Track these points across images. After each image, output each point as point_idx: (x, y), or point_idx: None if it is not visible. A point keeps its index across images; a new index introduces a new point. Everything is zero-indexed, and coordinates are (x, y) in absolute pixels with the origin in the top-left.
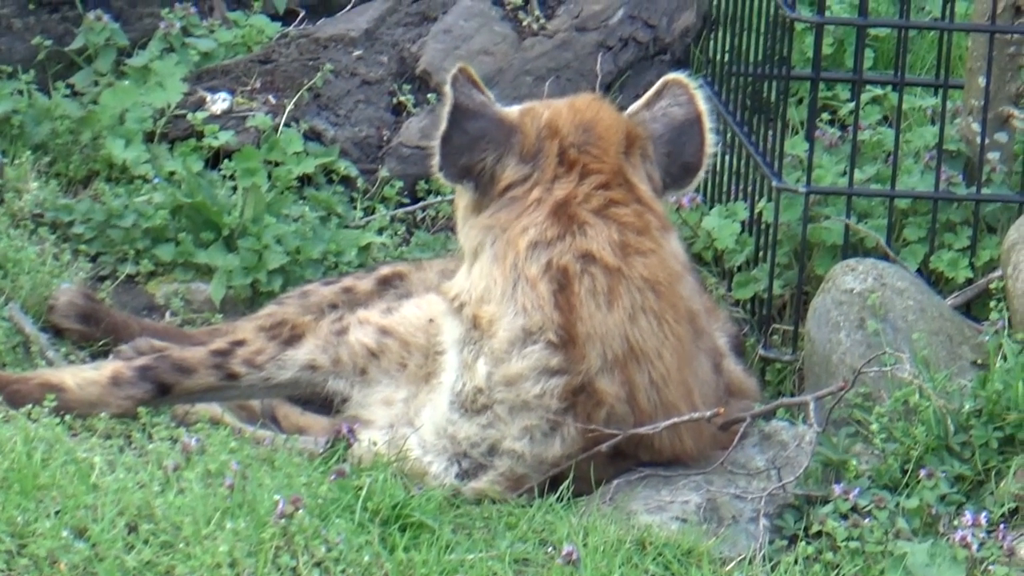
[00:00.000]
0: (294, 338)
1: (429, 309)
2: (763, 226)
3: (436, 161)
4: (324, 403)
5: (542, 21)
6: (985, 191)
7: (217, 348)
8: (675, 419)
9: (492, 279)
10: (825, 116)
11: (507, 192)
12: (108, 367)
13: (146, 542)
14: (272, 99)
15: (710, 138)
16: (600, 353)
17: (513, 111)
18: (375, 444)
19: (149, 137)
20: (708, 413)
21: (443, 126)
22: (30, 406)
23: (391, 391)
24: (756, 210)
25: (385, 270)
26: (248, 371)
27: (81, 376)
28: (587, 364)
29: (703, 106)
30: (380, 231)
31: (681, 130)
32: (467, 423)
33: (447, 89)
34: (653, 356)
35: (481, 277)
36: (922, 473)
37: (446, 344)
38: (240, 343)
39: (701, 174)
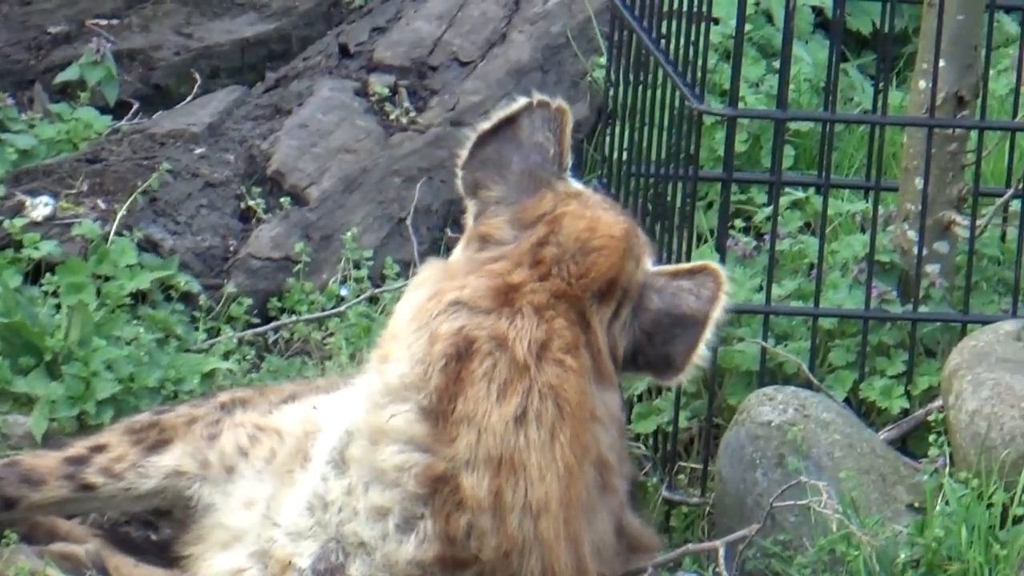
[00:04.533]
0: (161, 443)
1: (312, 403)
2: None
3: (463, 155)
4: (163, 547)
5: (412, 114)
6: (923, 309)
7: (72, 455)
8: None
9: (408, 317)
10: (738, 223)
11: (484, 243)
12: None
13: None
14: (102, 204)
15: (703, 348)
16: (472, 443)
17: (556, 183)
18: (240, 572)
19: None
20: None
21: (487, 125)
22: None
23: (254, 487)
24: None
25: (224, 397)
26: (105, 481)
27: None
28: (455, 450)
29: (717, 313)
30: (226, 355)
31: (679, 320)
32: (335, 482)
33: (520, 101)
34: (533, 474)
35: (404, 310)
36: None
37: (364, 371)
38: (100, 448)
39: (681, 378)
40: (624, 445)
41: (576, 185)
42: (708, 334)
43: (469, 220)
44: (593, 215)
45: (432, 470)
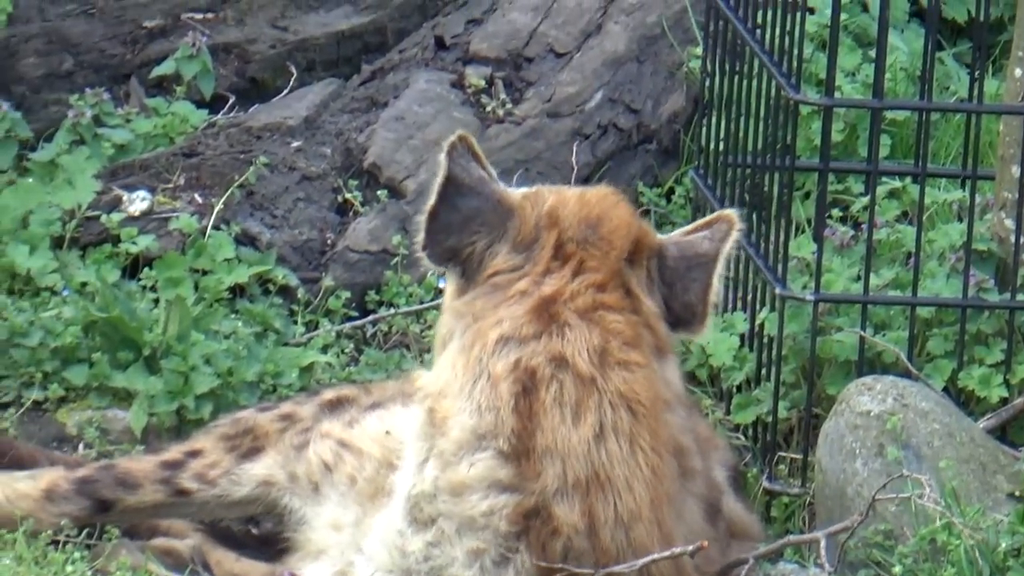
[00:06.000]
0: (253, 451)
1: (390, 420)
2: (765, 340)
3: (420, 239)
4: (264, 542)
5: (508, 106)
6: (1020, 297)
7: (168, 459)
8: (654, 556)
9: (455, 371)
10: (836, 212)
11: (492, 279)
12: (45, 477)
13: None
14: (198, 198)
15: (716, 284)
16: (559, 473)
17: (515, 193)
18: None
19: (57, 243)
20: (690, 548)
21: (432, 200)
22: None
23: (340, 512)
24: (757, 321)
25: (329, 394)
26: (200, 487)
27: (13, 488)
28: (542, 483)
29: (727, 247)
30: (324, 349)
31: (694, 262)
32: (415, 537)
33: (441, 158)
34: (621, 486)
35: (445, 368)
36: None
37: (407, 440)
38: (196, 454)
39: (703, 327)
40: (696, 412)
41: (519, 188)
42: (720, 269)
43: (454, 279)
44: (572, 195)
45: (522, 507)
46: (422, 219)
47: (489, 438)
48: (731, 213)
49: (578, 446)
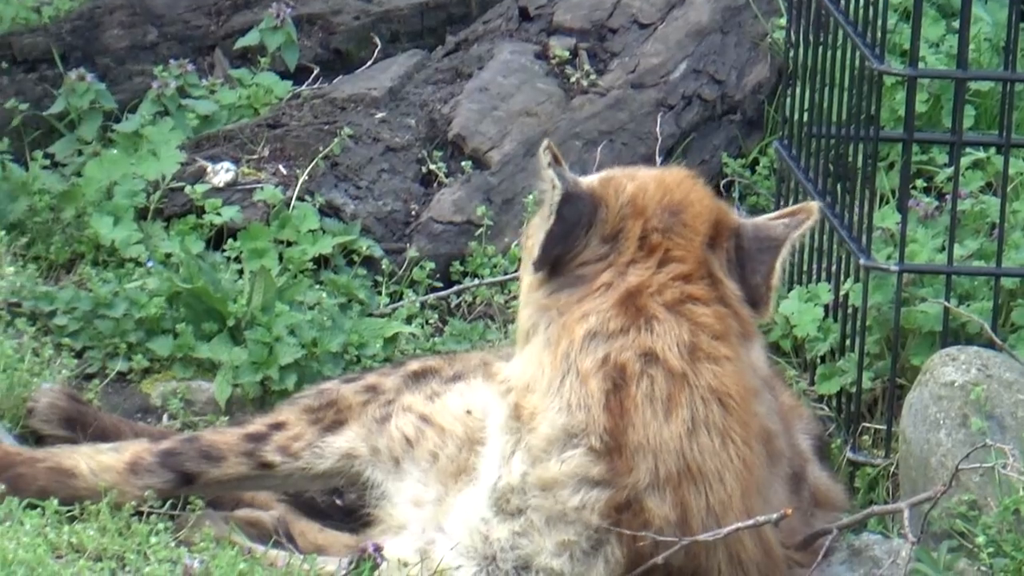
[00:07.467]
0: (336, 424)
1: (470, 398)
2: (850, 310)
3: (537, 257)
4: (348, 513)
5: (593, 77)
6: None
7: (252, 432)
8: (737, 525)
9: (541, 367)
10: (920, 183)
11: (577, 270)
12: (129, 450)
13: None
14: (283, 169)
15: (778, 269)
16: (651, 468)
17: (594, 181)
18: (405, 566)
19: (141, 214)
20: (774, 517)
21: (552, 220)
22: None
23: (420, 489)
24: (841, 292)
25: (414, 365)
26: (283, 460)
27: (97, 460)
28: (634, 478)
29: (796, 234)
30: (409, 320)
31: (765, 246)
32: (500, 525)
33: (551, 174)
34: (713, 479)
35: (530, 363)
36: None
37: (489, 430)
38: (279, 426)
39: (766, 310)
40: (781, 381)
41: (592, 175)
42: (785, 254)
43: (541, 275)
44: (650, 180)
45: (613, 500)
46: (541, 239)
47: (580, 436)
48: (813, 205)
49: (670, 441)
